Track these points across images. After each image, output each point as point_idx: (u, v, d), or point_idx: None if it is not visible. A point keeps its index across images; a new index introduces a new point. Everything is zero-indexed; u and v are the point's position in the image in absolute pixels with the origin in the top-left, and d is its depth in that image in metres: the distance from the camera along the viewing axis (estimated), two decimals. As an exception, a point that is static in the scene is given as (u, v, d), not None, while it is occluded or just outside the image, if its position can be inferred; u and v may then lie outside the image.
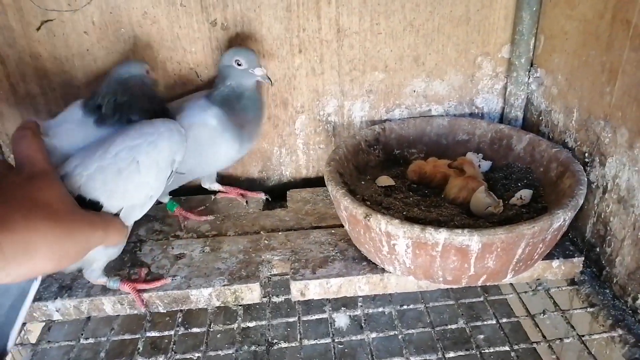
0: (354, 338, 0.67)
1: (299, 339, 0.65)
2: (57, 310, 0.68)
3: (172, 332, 0.66)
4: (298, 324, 0.67)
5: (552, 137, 0.79)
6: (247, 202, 0.86)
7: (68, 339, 0.67)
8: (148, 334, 0.67)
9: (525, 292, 0.70)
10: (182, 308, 0.69)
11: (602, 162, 0.67)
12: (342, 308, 0.70)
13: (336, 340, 0.65)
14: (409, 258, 0.62)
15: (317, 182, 0.91)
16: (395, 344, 0.63)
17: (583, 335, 0.62)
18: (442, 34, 0.81)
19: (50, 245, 0.43)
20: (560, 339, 0.62)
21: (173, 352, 0.63)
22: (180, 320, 0.68)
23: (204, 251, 0.75)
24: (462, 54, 0.83)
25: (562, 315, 0.66)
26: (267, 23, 0.79)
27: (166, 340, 0.68)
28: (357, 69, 0.83)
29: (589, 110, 0.68)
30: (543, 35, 0.78)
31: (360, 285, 0.69)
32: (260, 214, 0.83)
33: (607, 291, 0.67)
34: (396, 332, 0.65)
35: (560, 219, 0.59)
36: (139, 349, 0.64)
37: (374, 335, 0.65)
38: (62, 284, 0.70)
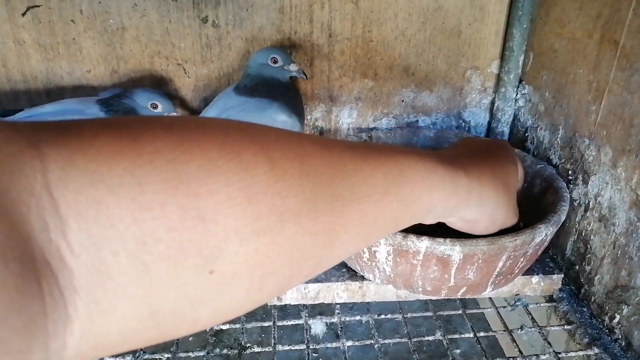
0: (329, 346, 0.66)
1: (272, 344, 0.63)
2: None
3: (143, 332, 0.64)
4: (273, 329, 0.65)
5: (537, 153, 0.79)
6: None
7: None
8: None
9: (504, 307, 0.70)
10: (154, 307, 0.68)
11: (585, 180, 0.67)
12: (319, 315, 0.68)
13: (311, 347, 0.63)
14: (390, 266, 0.61)
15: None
16: (371, 354, 0.62)
17: (559, 353, 0.61)
18: (433, 45, 0.82)
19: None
20: (536, 355, 0.62)
21: (142, 352, 0.61)
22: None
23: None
24: (452, 67, 0.84)
25: (539, 332, 0.65)
26: (259, 23, 0.78)
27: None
28: (347, 75, 0.83)
29: (574, 128, 0.69)
30: (532, 52, 0.78)
31: (338, 292, 0.68)
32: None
33: (585, 309, 0.67)
34: (372, 342, 0.64)
35: (542, 234, 0.59)
36: (106, 347, 0.62)
37: (349, 343, 0.64)
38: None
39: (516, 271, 0.63)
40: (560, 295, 0.70)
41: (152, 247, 0.22)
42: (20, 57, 0.78)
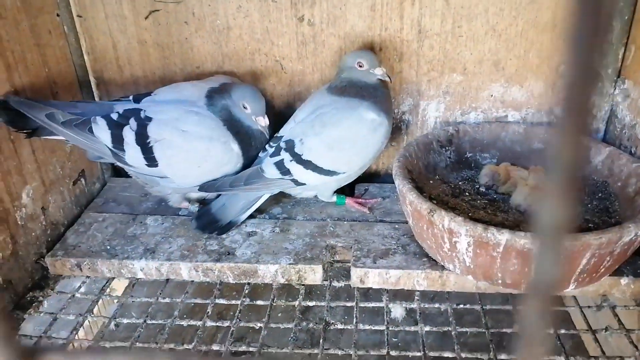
0: (408, 330, 0.69)
1: (354, 323, 0.68)
2: (141, 270, 0.76)
3: (239, 302, 0.72)
4: (355, 309, 0.70)
5: (634, 152, 0.76)
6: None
7: (148, 297, 0.75)
8: (217, 301, 0.73)
9: (589, 306, 0.69)
10: (249, 281, 0.75)
11: (686, 181, 0.64)
12: (399, 300, 0.72)
13: (390, 330, 0.67)
14: (470, 257, 0.63)
15: (385, 178, 0.94)
16: (449, 342, 0.65)
17: (647, 356, 0.60)
18: (525, 39, 0.81)
19: None
20: (621, 357, 0.61)
21: (238, 320, 0.69)
22: (247, 292, 0.74)
23: (274, 231, 0.80)
24: (544, 61, 0.82)
25: (625, 334, 0.64)
26: (352, 21, 0.82)
27: (232, 311, 0.74)
28: (436, 69, 0.85)
29: (677, 126, 0.65)
30: (634, 45, 0.75)
31: (418, 280, 0.71)
32: (328, 204, 0.87)
33: (679, 315, 0.64)
34: (450, 329, 0.67)
35: (632, 233, 0.58)
36: (208, 312, 0.70)
37: (427, 328, 0.67)
38: (147, 247, 0.78)
39: (602, 270, 0.62)
40: (652, 299, 0.67)
41: None
42: (142, 56, 0.88)
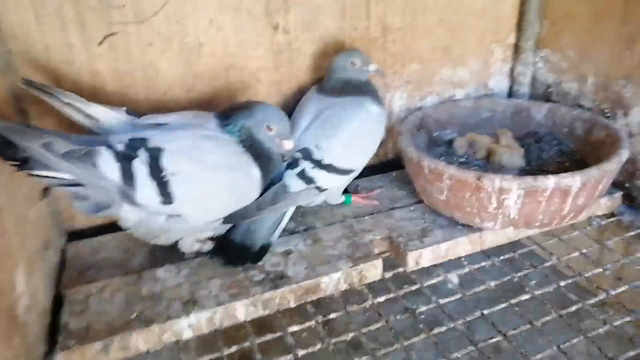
0: (474, 291, 0.74)
1: (435, 300, 0.71)
2: (189, 326, 0.66)
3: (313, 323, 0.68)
4: (423, 289, 0.73)
5: (565, 103, 0.95)
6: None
7: None
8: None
9: (584, 227, 0.84)
10: (310, 299, 0.71)
11: (625, 114, 0.83)
12: (452, 270, 0.77)
13: (467, 295, 0.71)
14: (517, 208, 0.72)
15: (364, 172, 0.97)
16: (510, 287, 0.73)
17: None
18: (466, 25, 0.94)
19: None
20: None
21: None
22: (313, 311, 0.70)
23: (307, 244, 0.77)
24: (480, 43, 0.97)
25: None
26: (324, 24, 0.84)
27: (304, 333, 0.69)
28: (399, 62, 0.92)
29: (606, 75, 0.85)
30: (547, 20, 0.94)
31: (464, 245, 0.78)
32: (334, 207, 0.87)
33: (644, 215, 0.84)
34: (510, 277, 0.74)
35: (625, 157, 0.74)
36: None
37: (493, 283, 0.73)
38: (184, 300, 0.67)
39: (603, 193, 0.78)
40: (620, 210, 0.86)
41: None
42: (96, 89, 0.75)
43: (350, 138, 0.77)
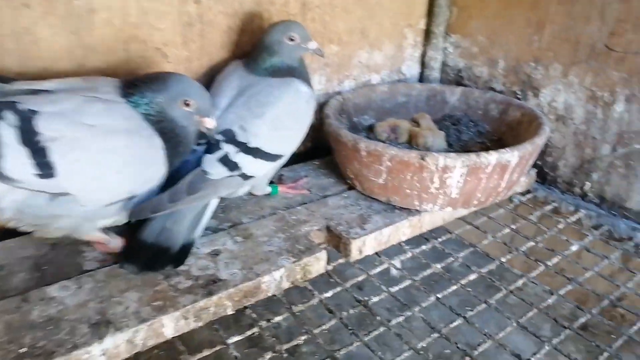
0: (424, 274, 0.70)
1: (386, 289, 0.65)
2: (103, 354, 0.52)
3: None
4: (372, 279, 0.67)
5: (476, 87, 0.97)
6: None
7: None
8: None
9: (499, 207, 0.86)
10: (249, 303, 0.61)
11: (535, 94, 0.87)
12: (394, 256, 0.72)
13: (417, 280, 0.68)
14: (459, 187, 0.70)
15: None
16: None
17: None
18: (382, 7, 0.91)
19: None
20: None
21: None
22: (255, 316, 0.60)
23: (237, 241, 0.67)
24: (395, 27, 0.95)
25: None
26: (240, -5, 0.75)
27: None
28: (318, 42, 0.86)
29: (517, 59, 0.88)
30: (456, 7, 0.96)
31: (404, 230, 0.74)
32: (259, 198, 0.78)
33: (557, 190, 0.88)
34: (452, 259, 0.72)
35: (549, 130, 0.76)
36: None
37: (439, 265, 0.71)
38: (92, 322, 0.53)
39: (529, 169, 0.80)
40: (534, 187, 0.89)
41: None
42: (-50, 58, 0.57)
43: (277, 118, 0.68)
